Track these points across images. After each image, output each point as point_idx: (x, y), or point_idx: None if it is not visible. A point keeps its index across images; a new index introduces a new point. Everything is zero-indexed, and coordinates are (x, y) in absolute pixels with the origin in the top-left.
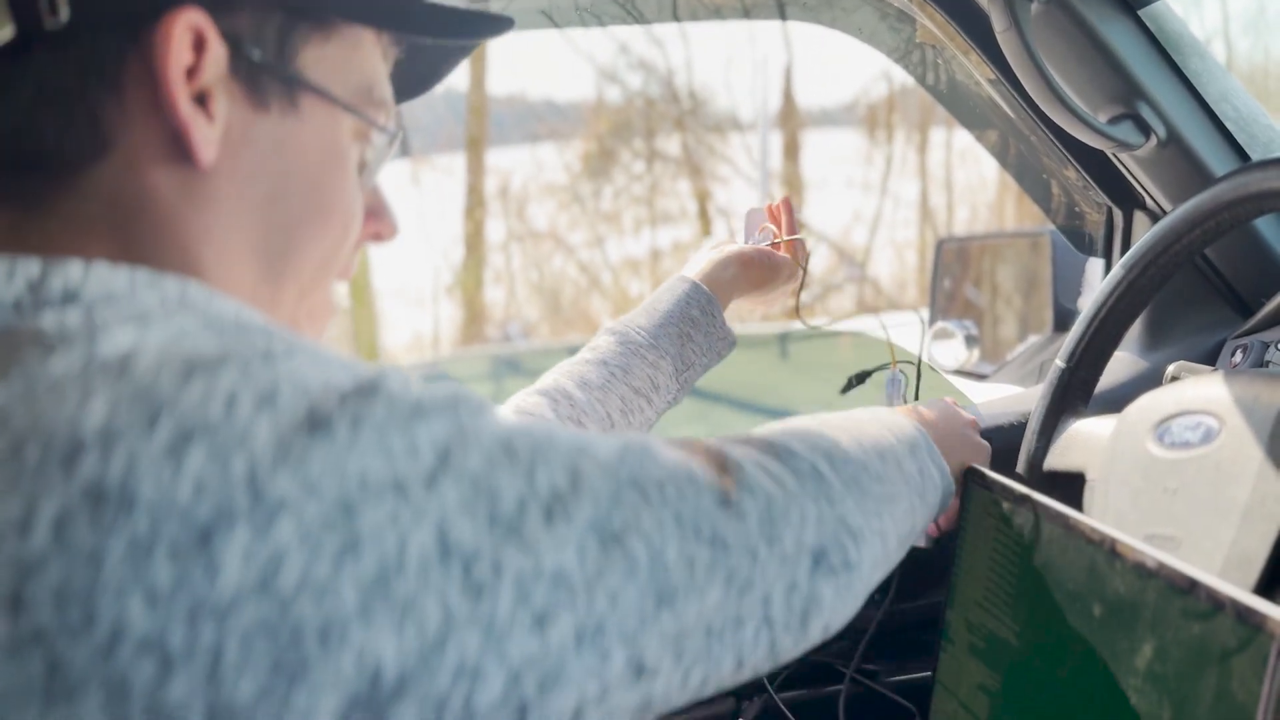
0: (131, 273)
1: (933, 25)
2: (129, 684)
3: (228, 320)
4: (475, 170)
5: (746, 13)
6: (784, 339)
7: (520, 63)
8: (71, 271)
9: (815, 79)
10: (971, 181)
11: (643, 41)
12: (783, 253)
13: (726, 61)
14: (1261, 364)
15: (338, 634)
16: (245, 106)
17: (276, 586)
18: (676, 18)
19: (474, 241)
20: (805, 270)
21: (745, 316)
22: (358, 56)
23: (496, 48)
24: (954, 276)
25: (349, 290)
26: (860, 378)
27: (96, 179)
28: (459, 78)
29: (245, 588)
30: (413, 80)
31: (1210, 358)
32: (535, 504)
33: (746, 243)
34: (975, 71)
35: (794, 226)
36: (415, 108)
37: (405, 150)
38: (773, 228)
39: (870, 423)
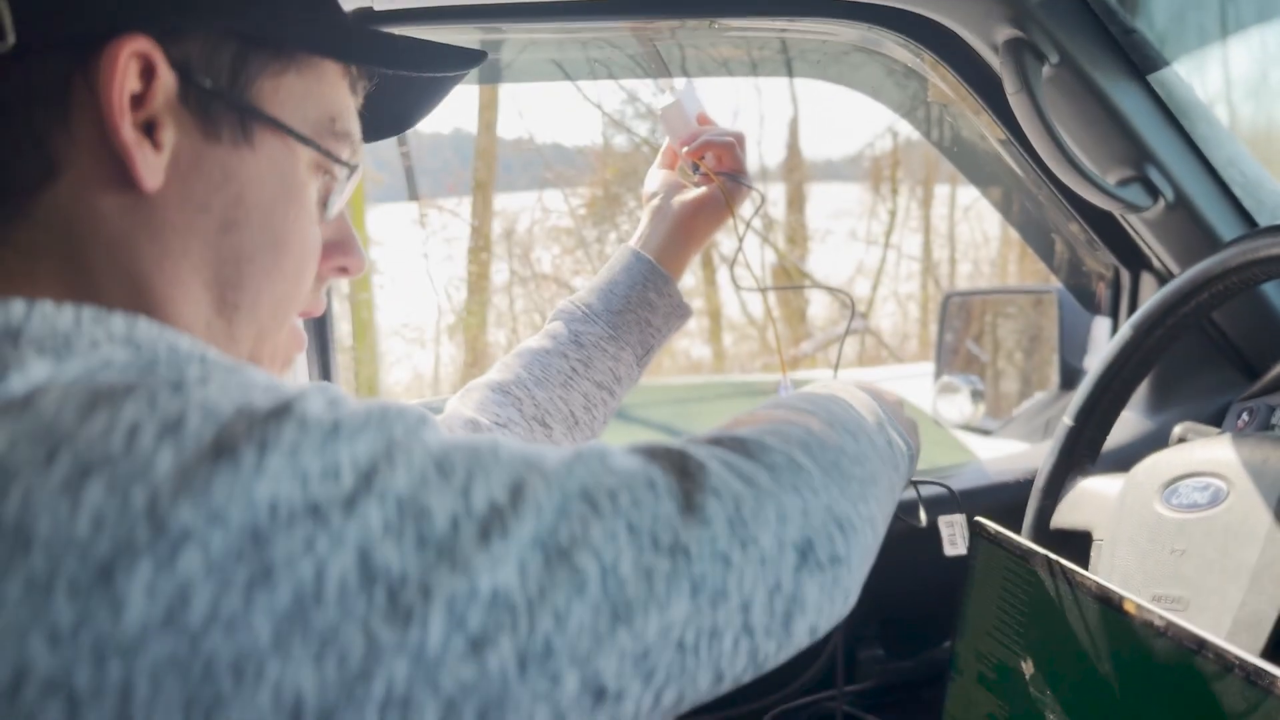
0: (77, 310)
1: (944, 85)
2: None
3: (160, 350)
4: (481, 213)
5: (754, 68)
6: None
7: (529, 108)
8: (14, 310)
9: (820, 132)
10: (975, 238)
11: (650, 91)
12: (712, 183)
13: (733, 114)
14: (1268, 427)
15: (252, 668)
16: (196, 135)
17: (185, 621)
18: (685, 71)
19: (477, 283)
20: (747, 210)
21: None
22: (320, 88)
23: (507, 94)
24: (957, 331)
25: (351, 328)
26: None
27: (47, 204)
28: (468, 122)
29: (151, 623)
30: (390, 117)
31: (1216, 419)
32: (470, 522)
33: (674, 144)
34: (986, 131)
35: (735, 161)
36: (423, 152)
37: (413, 194)
38: (691, 168)
39: (833, 400)
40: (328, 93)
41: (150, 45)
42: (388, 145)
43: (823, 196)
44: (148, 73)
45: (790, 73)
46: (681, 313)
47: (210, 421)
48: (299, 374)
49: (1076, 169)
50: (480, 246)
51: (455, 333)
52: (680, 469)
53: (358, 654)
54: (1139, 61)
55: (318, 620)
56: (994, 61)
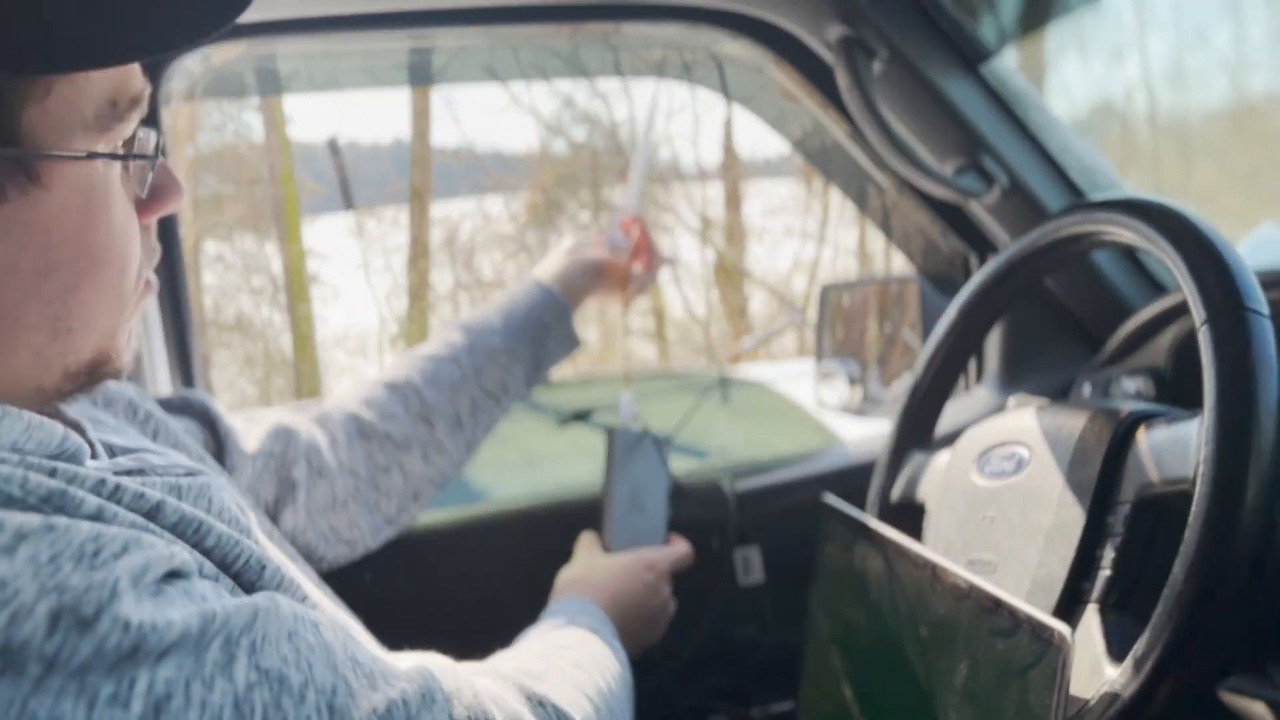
0: None
1: (789, 83)
2: None
3: None
4: (420, 222)
5: (687, 70)
6: (725, 383)
7: (466, 116)
8: None
9: (754, 131)
10: (908, 229)
11: (585, 95)
12: (636, 265)
13: (668, 115)
14: (1107, 396)
15: None
16: None
17: None
18: (619, 72)
19: (419, 291)
20: (653, 281)
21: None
22: (89, 81)
23: (441, 102)
24: (835, 320)
25: (292, 341)
26: (579, 416)
27: None
28: (405, 130)
29: None
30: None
31: (1064, 393)
32: None
33: (608, 239)
34: (830, 127)
35: (648, 249)
36: (360, 161)
37: (349, 204)
38: (623, 241)
39: (601, 673)
40: (97, 79)
41: None
42: (323, 157)
43: (759, 194)
44: None
45: (723, 76)
46: (571, 343)
47: (5, 609)
48: (157, 371)
49: (911, 161)
50: (420, 255)
51: (398, 342)
52: None
53: None
54: (969, 53)
55: None
56: (830, 59)
